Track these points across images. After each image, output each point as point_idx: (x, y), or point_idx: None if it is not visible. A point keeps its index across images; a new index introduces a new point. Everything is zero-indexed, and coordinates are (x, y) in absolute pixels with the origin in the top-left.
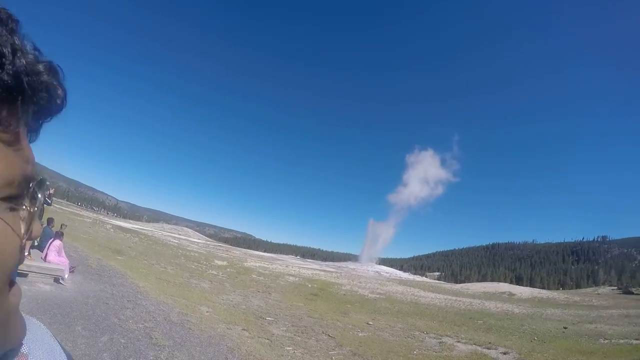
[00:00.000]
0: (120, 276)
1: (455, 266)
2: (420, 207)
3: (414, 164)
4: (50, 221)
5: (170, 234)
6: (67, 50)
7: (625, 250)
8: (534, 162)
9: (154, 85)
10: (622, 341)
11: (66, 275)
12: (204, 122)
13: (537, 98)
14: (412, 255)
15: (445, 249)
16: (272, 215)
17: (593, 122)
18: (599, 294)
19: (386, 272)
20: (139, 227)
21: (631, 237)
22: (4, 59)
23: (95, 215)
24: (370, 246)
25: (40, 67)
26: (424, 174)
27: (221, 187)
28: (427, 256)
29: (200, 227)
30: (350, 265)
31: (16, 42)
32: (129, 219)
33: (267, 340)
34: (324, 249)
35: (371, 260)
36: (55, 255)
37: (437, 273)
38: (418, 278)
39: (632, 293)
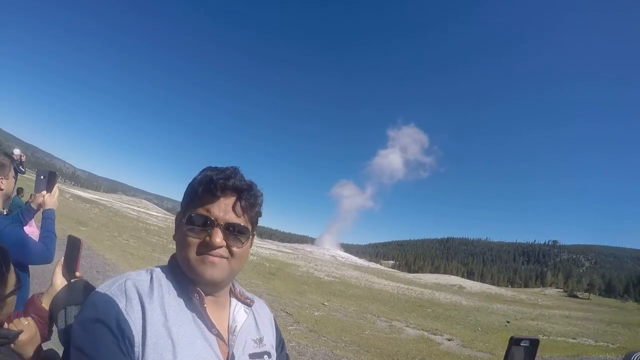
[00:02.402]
0: (86, 247)
1: (409, 256)
2: (383, 192)
3: (391, 142)
4: (20, 191)
5: (129, 206)
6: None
7: (574, 256)
8: (495, 166)
9: (120, 54)
10: (559, 339)
11: None
12: (167, 91)
13: (502, 107)
14: (368, 243)
15: (401, 239)
16: None
17: (553, 130)
18: (545, 294)
19: (342, 257)
20: (98, 197)
21: (581, 244)
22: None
23: None
24: (343, 216)
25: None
26: (392, 158)
27: (180, 160)
28: (383, 244)
29: (158, 200)
30: (307, 247)
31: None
32: (87, 188)
33: None
34: (282, 230)
35: (337, 236)
36: (27, 226)
37: (392, 262)
38: (373, 265)
39: (576, 297)
